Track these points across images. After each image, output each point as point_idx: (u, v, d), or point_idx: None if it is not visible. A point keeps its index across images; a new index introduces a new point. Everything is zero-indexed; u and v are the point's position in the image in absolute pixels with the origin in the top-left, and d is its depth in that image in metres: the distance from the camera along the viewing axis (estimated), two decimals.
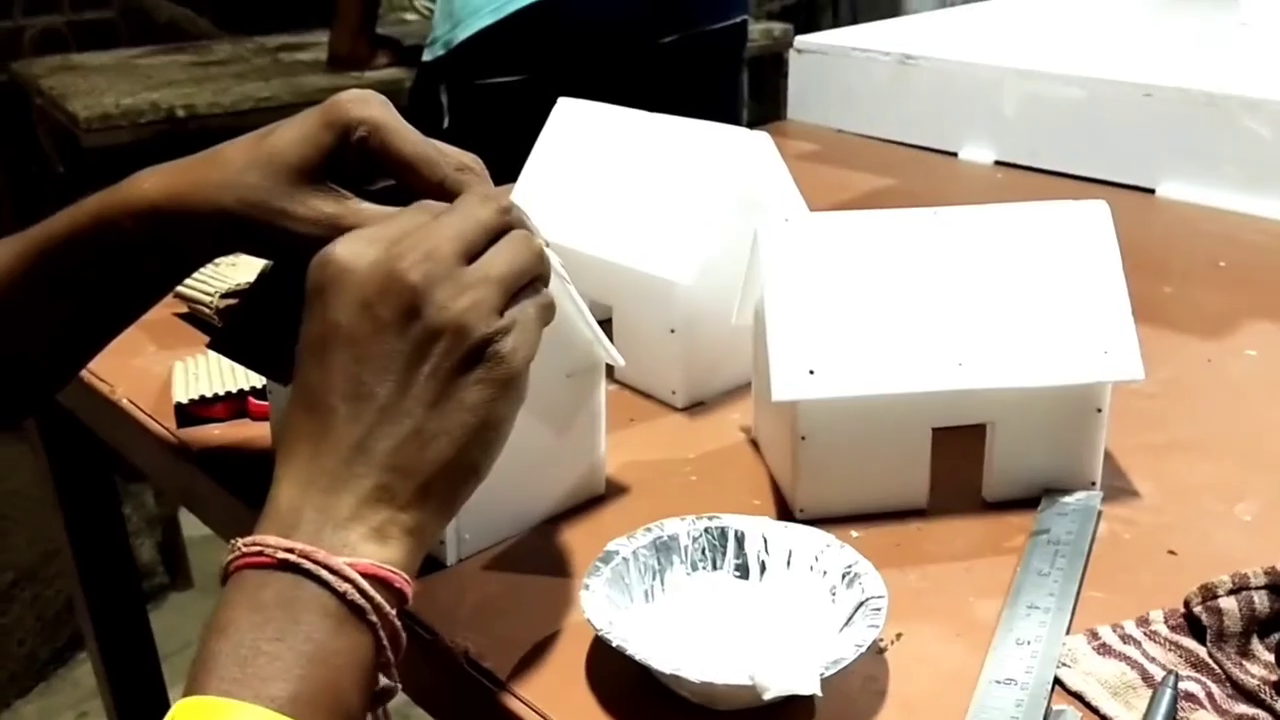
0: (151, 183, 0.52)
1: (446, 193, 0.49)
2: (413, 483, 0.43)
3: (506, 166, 0.92)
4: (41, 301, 0.55)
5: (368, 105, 0.50)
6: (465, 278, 0.44)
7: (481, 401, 0.44)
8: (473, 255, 0.45)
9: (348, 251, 0.44)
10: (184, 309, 0.88)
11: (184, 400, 0.72)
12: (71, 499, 0.98)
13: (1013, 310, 0.61)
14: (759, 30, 2.26)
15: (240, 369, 0.74)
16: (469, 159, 0.52)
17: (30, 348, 0.57)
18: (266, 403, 0.70)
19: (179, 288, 0.88)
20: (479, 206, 0.47)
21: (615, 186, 0.77)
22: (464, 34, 1.46)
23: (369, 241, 0.44)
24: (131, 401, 0.76)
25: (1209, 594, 0.51)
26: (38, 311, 0.56)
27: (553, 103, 0.85)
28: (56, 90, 1.80)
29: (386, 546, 0.42)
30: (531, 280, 0.47)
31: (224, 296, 0.84)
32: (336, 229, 0.48)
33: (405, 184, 0.50)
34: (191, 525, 2.05)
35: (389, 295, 0.43)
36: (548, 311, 0.48)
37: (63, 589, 1.87)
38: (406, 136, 0.50)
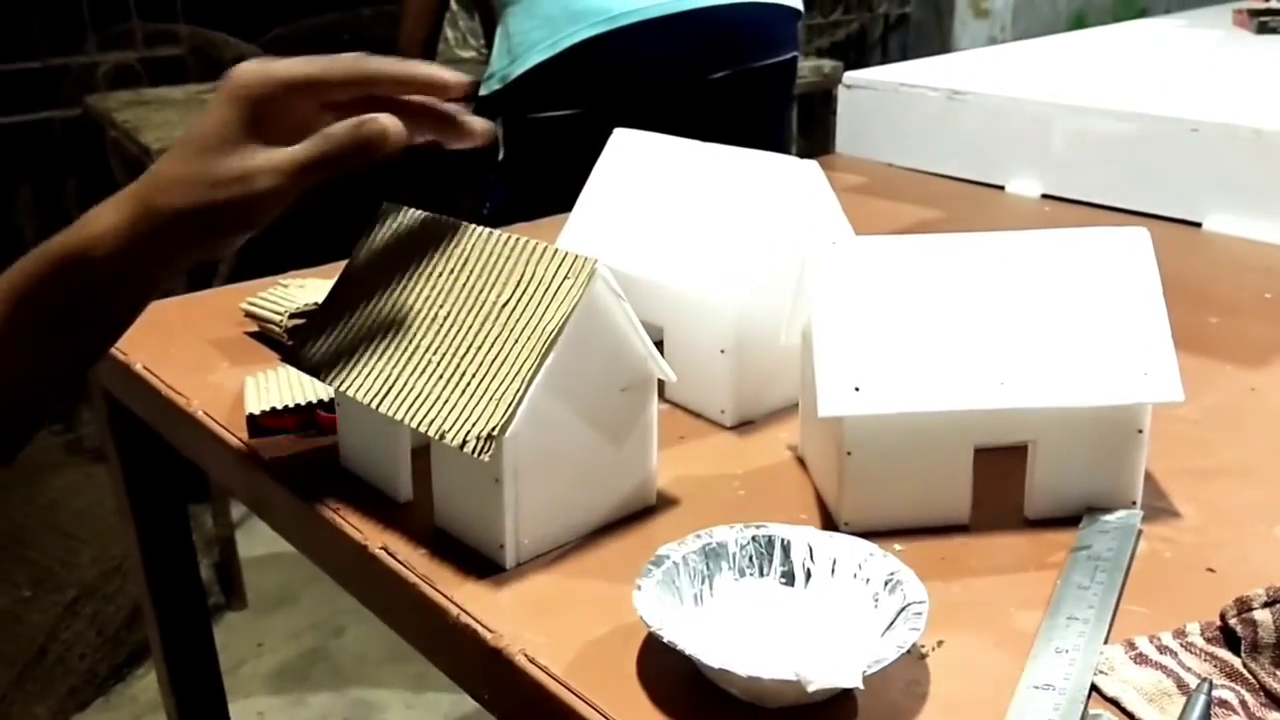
0: (106, 213, 0.57)
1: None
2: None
3: (559, 197, 0.95)
4: (18, 348, 0.58)
5: (249, 73, 0.58)
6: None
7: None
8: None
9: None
10: (255, 328, 0.92)
11: (256, 412, 0.76)
12: (144, 514, 1.02)
13: (1054, 332, 0.62)
14: (809, 67, 2.29)
15: (309, 382, 0.77)
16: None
17: (9, 395, 0.59)
18: (333, 414, 0.74)
19: (251, 309, 0.92)
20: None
21: (669, 212, 0.80)
22: (520, 69, 1.50)
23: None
24: (207, 414, 0.79)
25: (1244, 606, 0.53)
26: (17, 358, 0.58)
27: (604, 136, 0.88)
28: (129, 123, 1.87)
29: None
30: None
31: (292, 316, 0.88)
32: (273, 172, 0.56)
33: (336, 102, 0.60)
34: (247, 546, 2.09)
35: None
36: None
37: (123, 605, 1.92)
38: (295, 70, 0.59)
